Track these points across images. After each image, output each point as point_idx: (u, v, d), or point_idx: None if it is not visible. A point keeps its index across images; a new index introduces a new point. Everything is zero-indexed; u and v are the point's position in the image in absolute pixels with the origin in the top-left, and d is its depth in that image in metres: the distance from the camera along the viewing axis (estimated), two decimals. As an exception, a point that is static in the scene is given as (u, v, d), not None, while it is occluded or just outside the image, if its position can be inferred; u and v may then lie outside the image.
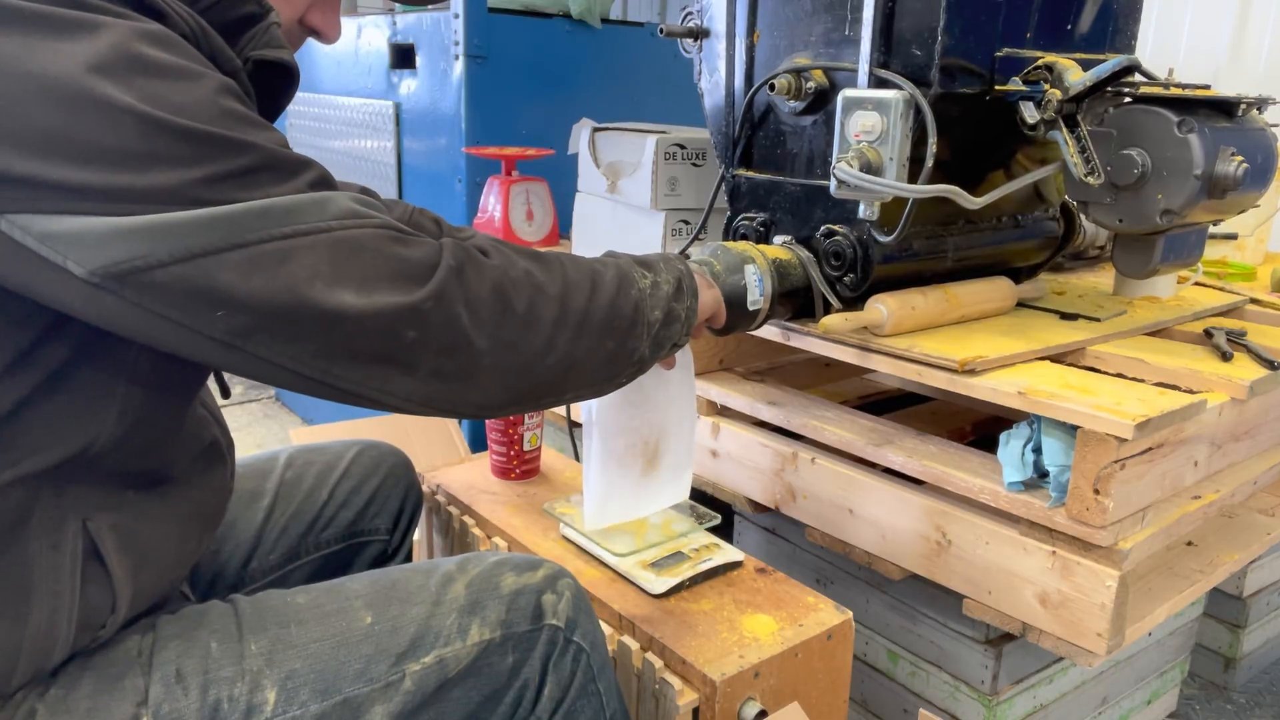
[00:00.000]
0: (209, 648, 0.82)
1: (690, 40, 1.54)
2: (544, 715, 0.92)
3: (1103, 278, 1.82)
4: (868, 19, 1.25)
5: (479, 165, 2.24)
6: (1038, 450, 1.18)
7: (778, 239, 1.43)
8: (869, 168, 1.20)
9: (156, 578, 0.84)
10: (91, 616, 0.78)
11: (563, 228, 2.17)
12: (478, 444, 2.04)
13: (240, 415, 3.28)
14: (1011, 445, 1.20)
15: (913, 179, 1.22)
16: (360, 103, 2.59)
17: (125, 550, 0.79)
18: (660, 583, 1.13)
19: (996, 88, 1.29)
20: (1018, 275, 1.56)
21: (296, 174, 0.71)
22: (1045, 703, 1.42)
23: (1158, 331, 1.48)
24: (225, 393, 1.00)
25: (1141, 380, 1.25)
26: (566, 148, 2.02)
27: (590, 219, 1.94)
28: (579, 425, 1.90)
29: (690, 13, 1.54)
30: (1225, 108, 1.31)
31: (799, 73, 1.35)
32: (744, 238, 1.48)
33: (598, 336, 0.84)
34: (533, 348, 0.79)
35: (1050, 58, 1.25)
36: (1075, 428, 1.12)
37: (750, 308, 1.27)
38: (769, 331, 1.44)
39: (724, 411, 1.58)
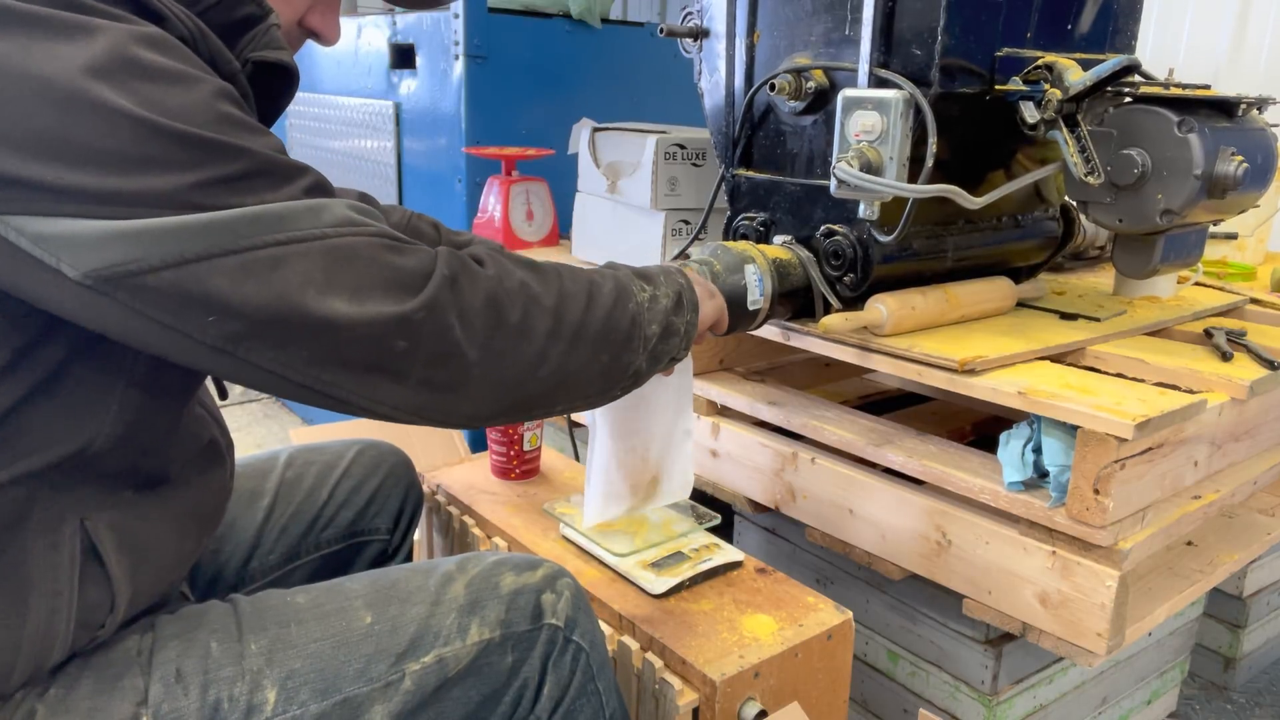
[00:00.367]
0: (209, 647, 0.82)
1: (690, 40, 1.54)
2: (543, 715, 0.92)
3: (1103, 278, 1.82)
4: (868, 19, 1.25)
5: (479, 165, 2.24)
6: (1038, 450, 1.18)
7: (778, 239, 1.43)
8: (869, 167, 1.20)
9: (156, 577, 0.84)
10: (90, 616, 0.78)
11: (563, 228, 2.17)
12: (478, 444, 2.03)
13: (240, 415, 3.28)
14: (1011, 445, 1.20)
15: (913, 179, 1.22)
16: (360, 103, 2.59)
17: (124, 549, 0.79)
18: (660, 583, 1.13)
19: (996, 87, 1.29)
20: (1018, 275, 1.56)
21: (291, 179, 0.71)
22: (1045, 703, 1.42)
23: (1158, 331, 1.48)
24: (223, 394, 1.00)
25: (1141, 380, 1.25)
26: (566, 148, 2.02)
27: (590, 219, 1.94)
28: (580, 426, 1.90)
29: (690, 13, 1.54)
30: (1225, 108, 1.31)
31: (799, 73, 1.35)
32: (744, 238, 1.48)
33: (592, 349, 0.84)
34: (525, 359, 0.78)
35: (1050, 57, 1.25)
36: (1075, 428, 1.12)
37: (750, 308, 1.27)
38: (769, 331, 1.44)
39: (724, 411, 1.58)
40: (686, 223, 1.79)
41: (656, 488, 1.18)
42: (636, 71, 2.50)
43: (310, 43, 0.93)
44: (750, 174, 1.49)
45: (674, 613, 1.10)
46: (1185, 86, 1.34)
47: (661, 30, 1.54)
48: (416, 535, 1.30)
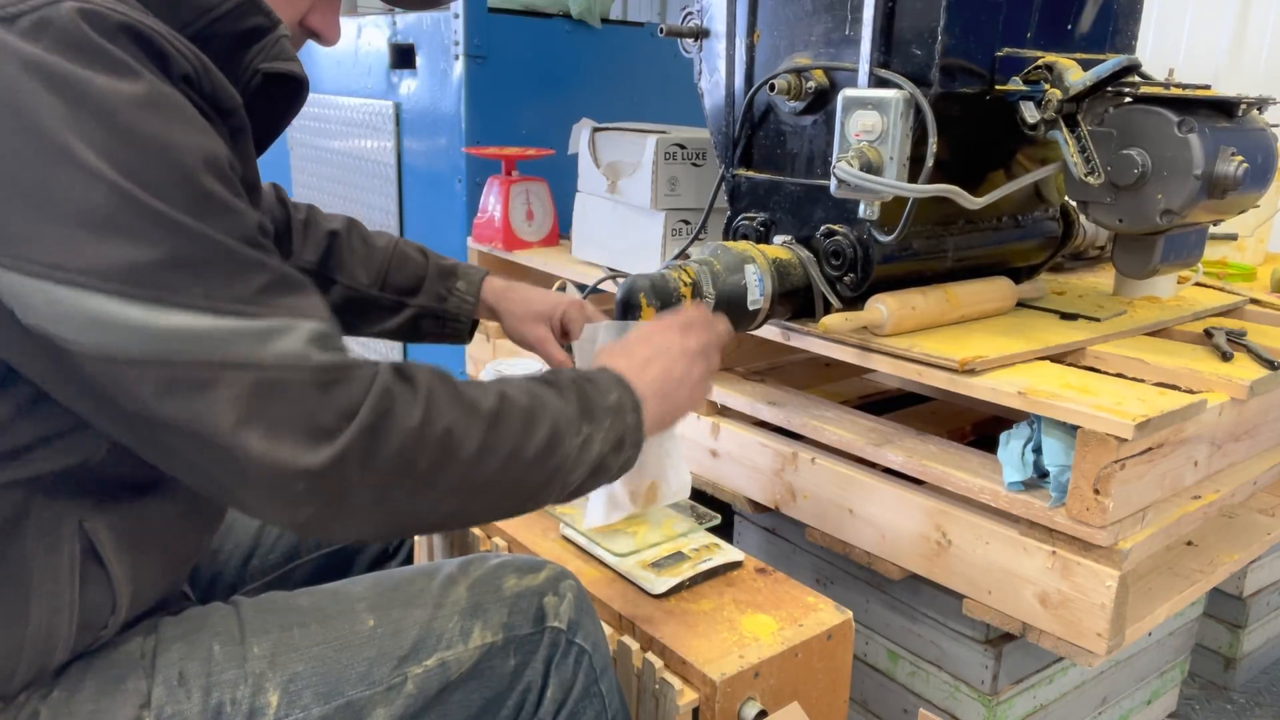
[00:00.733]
0: (211, 650, 0.82)
1: (690, 40, 1.54)
2: (546, 718, 0.92)
3: (1103, 278, 1.82)
4: (868, 19, 1.26)
5: (479, 165, 2.24)
6: (1038, 450, 1.18)
7: (778, 239, 1.43)
8: (869, 167, 1.20)
9: (157, 577, 0.84)
10: (92, 616, 0.78)
11: (563, 228, 2.17)
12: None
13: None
14: (1011, 445, 1.20)
15: (913, 179, 1.22)
16: (360, 103, 2.59)
17: (124, 550, 0.79)
18: (660, 583, 1.13)
19: (997, 87, 1.29)
20: (1018, 275, 1.56)
21: (247, 275, 0.69)
22: (1045, 703, 1.42)
23: (1158, 331, 1.48)
24: None
25: (1141, 380, 1.25)
26: (566, 148, 2.01)
27: (590, 219, 1.94)
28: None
29: (690, 13, 1.54)
30: (1225, 108, 1.31)
31: (799, 72, 1.35)
32: (744, 238, 1.48)
33: (498, 497, 0.81)
34: (419, 507, 0.76)
35: (1050, 57, 1.25)
36: (1075, 428, 1.12)
37: (750, 308, 1.27)
38: (769, 331, 1.44)
39: (724, 411, 1.58)
40: (686, 223, 1.79)
41: (655, 492, 1.18)
42: (636, 71, 2.50)
43: (309, 43, 0.93)
44: (750, 174, 1.49)
45: (674, 613, 1.10)
46: (1185, 86, 1.34)
47: (661, 30, 1.54)
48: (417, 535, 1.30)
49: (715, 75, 1.52)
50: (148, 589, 0.83)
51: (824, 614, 1.11)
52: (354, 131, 2.64)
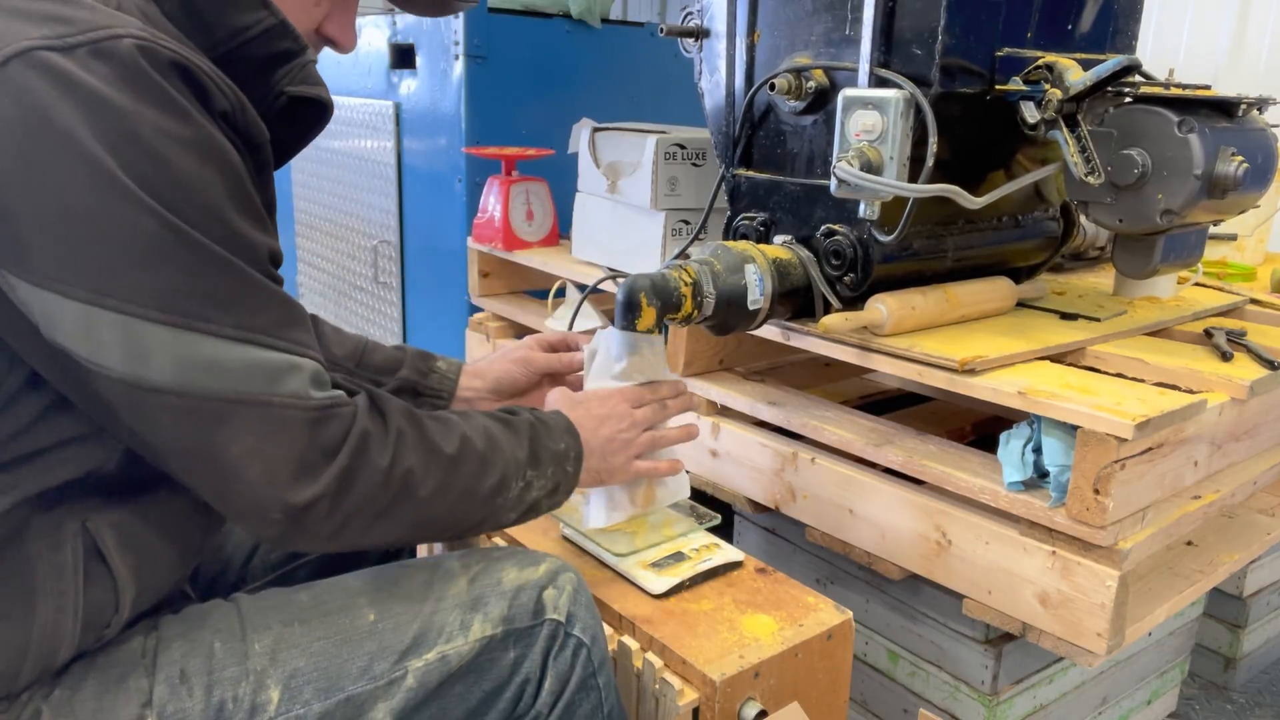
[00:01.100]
0: (213, 648, 0.82)
1: (690, 40, 1.54)
2: (544, 710, 0.93)
3: (1103, 278, 1.82)
4: (868, 19, 1.25)
5: (479, 165, 2.24)
6: (1038, 450, 1.18)
7: (778, 239, 1.43)
8: (869, 167, 1.20)
9: (160, 575, 0.84)
10: (96, 615, 0.78)
11: (563, 228, 2.17)
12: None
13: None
14: (1011, 445, 1.20)
15: (913, 178, 1.22)
16: (360, 103, 2.59)
17: (127, 549, 0.79)
18: (660, 583, 1.13)
19: (997, 87, 1.29)
20: (1018, 275, 1.56)
21: (266, 308, 0.75)
22: (1045, 703, 1.42)
23: (1158, 331, 1.48)
24: None
25: (1141, 380, 1.25)
26: (566, 148, 2.01)
27: (590, 219, 1.94)
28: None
29: (690, 13, 1.54)
30: (1225, 108, 1.31)
31: (799, 72, 1.35)
32: (744, 237, 1.48)
33: (441, 530, 0.89)
34: (371, 535, 0.82)
35: (1050, 57, 1.25)
36: (1075, 428, 1.12)
37: (750, 307, 1.27)
38: (769, 331, 1.44)
39: (724, 411, 1.58)
40: (686, 223, 1.79)
41: (654, 493, 1.18)
42: (636, 71, 2.50)
43: None
44: (750, 174, 1.49)
45: (674, 613, 1.10)
46: (1185, 86, 1.34)
47: (662, 30, 1.54)
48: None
49: (715, 75, 1.52)
50: (151, 588, 0.83)
51: (824, 614, 1.11)
52: (354, 131, 2.64)
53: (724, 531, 1.30)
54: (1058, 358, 1.32)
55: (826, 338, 1.36)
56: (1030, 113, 1.22)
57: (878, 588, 1.46)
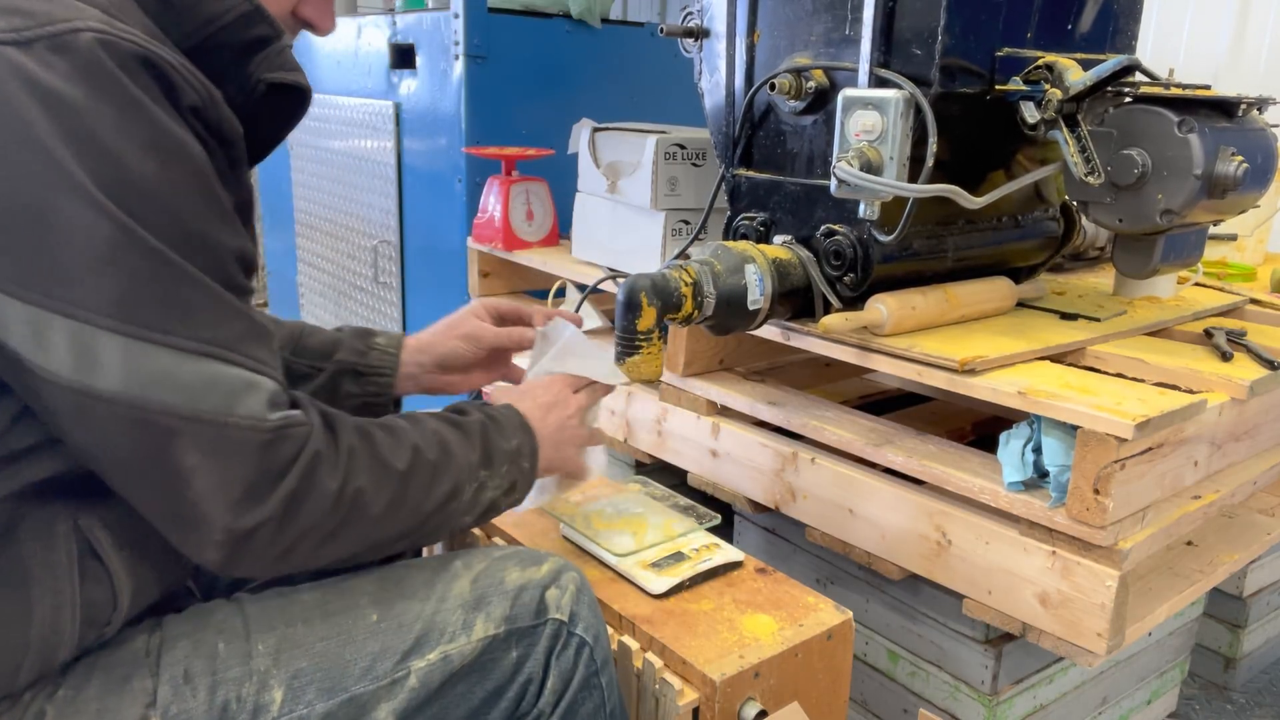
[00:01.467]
0: (216, 648, 0.83)
1: (690, 40, 1.54)
2: (546, 709, 0.93)
3: (1103, 278, 1.82)
4: (868, 19, 1.25)
5: (479, 165, 2.24)
6: (1038, 450, 1.18)
7: (778, 239, 1.43)
8: (869, 167, 1.20)
9: (157, 572, 0.84)
10: (94, 612, 0.78)
11: (563, 228, 2.17)
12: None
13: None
14: (1011, 445, 1.20)
15: (913, 178, 1.22)
16: (360, 103, 2.59)
17: (121, 545, 0.79)
18: (660, 583, 1.13)
19: (997, 87, 1.29)
20: (1018, 275, 1.56)
21: (229, 321, 0.73)
22: (1045, 703, 1.42)
23: (1158, 331, 1.48)
24: None
25: (1141, 380, 1.25)
26: (566, 148, 2.01)
27: (590, 219, 1.94)
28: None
29: (690, 13, 1.54)
30: (1225, 108, 1.31)
31: (799, 72, 1.35)
32: (744, 238, 1.48)
33: (392, 544, 0.86)
34: (319, 557, 0.80)
35: (1050, 57, 1.25)
36: (1075, 428, 1.12)
37: (750, 307, 1.27)
38: (769, 331, 1.44)
39: (724, 411, 1.58)
40: (686, 223, 1.79)
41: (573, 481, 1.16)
42: (636, 71, 2.50)
43: (309, 43, 0.93)
44: (750, 174, 1.49)
45: (674, 613, 1.10)
46: (1185, 86, 1.34)
47: (661, 30, 1.54)
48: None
49: (715, 75, 1.52)
50: (149, 584, 0.83)
51: (824, 614, 1.11)
52: (354, 131, 2.64)
53: (724, 531, 1.30)
54: (1058, 358, 1.32)
55: (826, 338, 1.36)
56: (1030, 113, 1.22)
57: (878, 588, 1.46)
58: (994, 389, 1.19)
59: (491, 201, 2.12)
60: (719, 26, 1.49)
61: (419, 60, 2.36)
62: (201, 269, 0.71)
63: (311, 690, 0.83)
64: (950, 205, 1.24)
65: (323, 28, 0.92)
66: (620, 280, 1.18)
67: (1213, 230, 1.65)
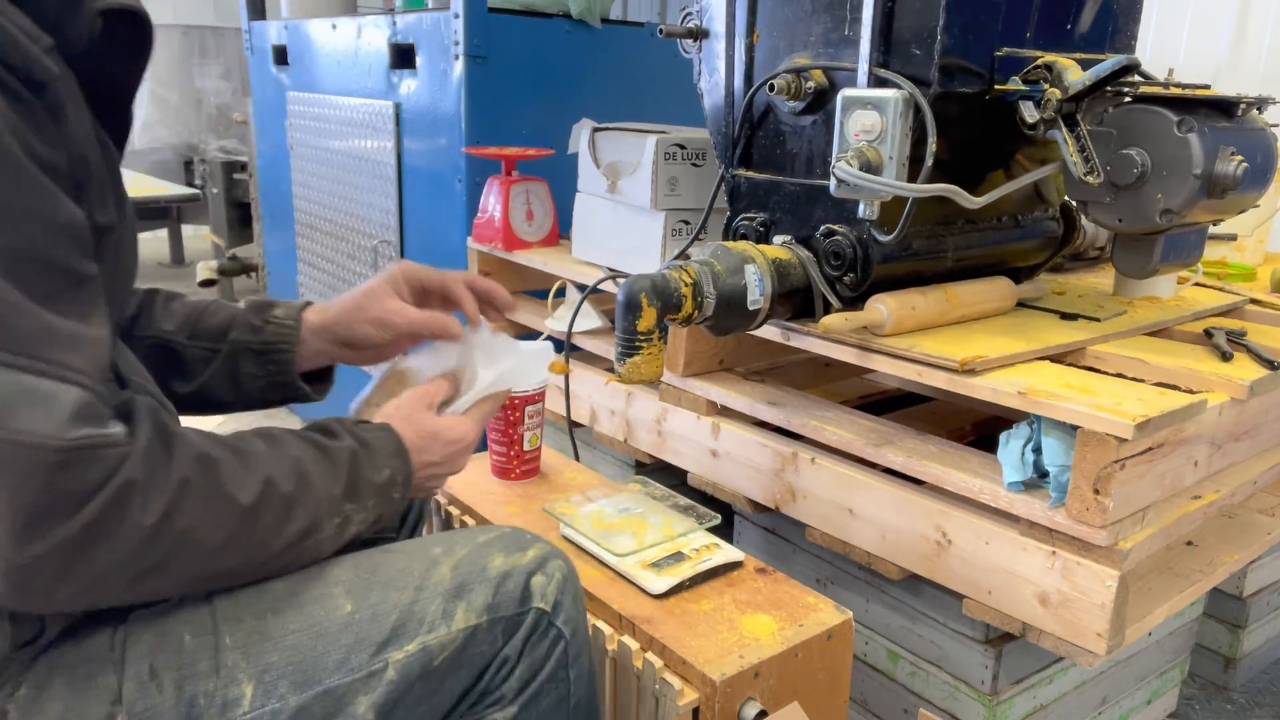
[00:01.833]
0: (182, 640, 0.80)
1: (690, 40, 1.54)
2: (509, 693, 0.91)
3: (1103, 278, 1.82)
4: (867, 19, 1.26)
5: (479, 165, 2.24)
6: (1038, 450, 1.18)
7: (778, 239, 1.43)
8: (869, 167, 1.20)
9: None
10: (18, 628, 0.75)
11: (563, 228, 2.17)
12: (478, 444, 2.03)
13: (242, 415, 3.27)
14: (1011, 445, 1.20)
15: (912, 178, 1.22)
16: (360, 103, 2.59)
17: None
18: (660, 583, 1.13)
19: (996, 87, 1.29)
20: (1018, 275, 1.56)
21: (20, 319, 0.65)
22: (1045, 703, 1.42)
23: (1158, 331, 1.48)
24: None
25: (1141, 380, 1.25)
26: (566, 148, 2.01)
27: (590, 219, 1.94)
28: (580, 425, 1.90)
29: (690, 13, 1.54)
30: (1225, 108, 1.31)
31: (799, 73, 1.35)
32: (744, 238, 1.48)
33: (232, 579, 0.81)
34: (141, 592, 0.74)
35: (1050, 57, 1.25)
36: (1075, 428, 1.12)
37: (750, 308, 1.27)
38: (769, 331, 1.44)
39: (724, 411, 1.58)
40: (686, 223, 1.79)
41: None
42: (636, 71, 2.50)
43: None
44: (750, 174, 1.49)
45: (674, 613, 1.10)
46: (1185, 86, 1.34)
47: (661, 30, 1.54)
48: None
49: (715, 75, 1.52)
50: None
51: (824, 614, 1.11)
52: (354, 131, 2.64)
53: (724, 531, 1.30)
54: (1058, 358, 1.32)
55: (826, 338, 1.36)
56: (1029, 112, 1.22)
57: (878, 588, 1.46)
58: (994, 389, 1.19)
59: (491, 201, 2.12)
60: (718, 27, 1.49)
61: (419, 60, 2.36)
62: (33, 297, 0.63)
63: (284, 684, 0.81)
64: (950, 205, 1.24)
65: None
66: (620, 281, 1.18)
67: (1212, 230, 1.65)
